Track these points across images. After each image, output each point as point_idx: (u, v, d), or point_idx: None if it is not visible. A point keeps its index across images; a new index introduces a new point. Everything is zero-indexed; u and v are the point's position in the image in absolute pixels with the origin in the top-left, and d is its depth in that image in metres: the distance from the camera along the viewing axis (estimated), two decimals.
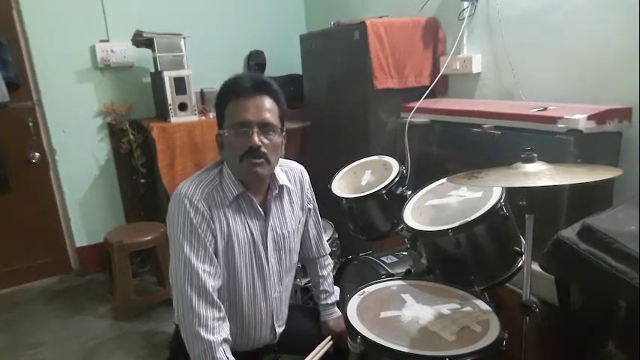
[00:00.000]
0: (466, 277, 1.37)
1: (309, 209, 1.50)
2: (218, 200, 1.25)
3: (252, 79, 1.24)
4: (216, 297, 1.22)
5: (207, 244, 1.22)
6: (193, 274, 1.19)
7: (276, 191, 1.35)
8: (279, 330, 1.43)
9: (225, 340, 1.21)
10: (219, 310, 1.23)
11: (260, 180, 1.30)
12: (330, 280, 1.60)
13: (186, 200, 1.21)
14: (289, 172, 1.43)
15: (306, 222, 1.51)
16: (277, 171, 1.35)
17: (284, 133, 1.30)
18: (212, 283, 1.22)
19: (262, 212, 1.32)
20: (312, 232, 1.54)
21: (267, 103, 1.23)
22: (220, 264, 1.26)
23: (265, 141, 1.22)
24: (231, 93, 1.23)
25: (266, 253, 1.33)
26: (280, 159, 1.34)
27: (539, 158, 1.16)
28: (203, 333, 1.17)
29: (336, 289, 1.60)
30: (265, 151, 1.22)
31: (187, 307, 1.18)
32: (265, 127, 1.22)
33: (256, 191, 1.32)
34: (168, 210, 1.25)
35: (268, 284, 1.36)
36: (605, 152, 1.67)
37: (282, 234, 1.37)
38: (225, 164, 1.30)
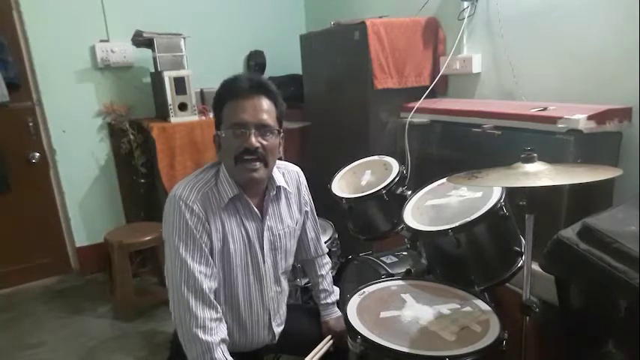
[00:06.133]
0: (466, 277, 1.37)
1: (307, 211, 1.50)
2: (214, 202, 1.25)
3: (249, 79, 1.24)
4: (212, 298, 1.22)
5: (203, 245, 1.22)
6: (190, 275, 1.19)
7: (274, 192, 1.35)
8: (277, 330, 1.43)
9: (222, 341, 1.21)
10: (216, 311, 1.23)
11: (256, 183, 1.30)
12: (329, 279, 1.60)
13: (181, 202, 1.21)
14: (287, 175, 1.43)
15: (304, 224, 1.50)
16: (275, 172, 1.35)
17: (282, 135, 1.29)
18: (208, 284, 1.22)
19: (259, 213, 1.32)
20: (311, 234, 1.54)
21: (265, 104, 1.23)
22: (216, 265, 1.26)
23: (263, 142, 1.22)
24: (229, 94, 1.23)
25: (262, 254, 1.33)
26: (278, 161, 1.34)
27: (539, 158, 1.16)
28: (201, 334, 1.17)
29: (336, 289, 1.60)
30: (262, 152, 1.22)
31: (184, 309, 1.18)
32: (262, 129, 1.22)
33: (253, 193, 1.32)
34: (164, 212, 1.25)
35: (264, 284, 1.36)
36: (605, 152, 1.67)
37: (279, 234, 1.37)
38: (222, 165, 1.30)
